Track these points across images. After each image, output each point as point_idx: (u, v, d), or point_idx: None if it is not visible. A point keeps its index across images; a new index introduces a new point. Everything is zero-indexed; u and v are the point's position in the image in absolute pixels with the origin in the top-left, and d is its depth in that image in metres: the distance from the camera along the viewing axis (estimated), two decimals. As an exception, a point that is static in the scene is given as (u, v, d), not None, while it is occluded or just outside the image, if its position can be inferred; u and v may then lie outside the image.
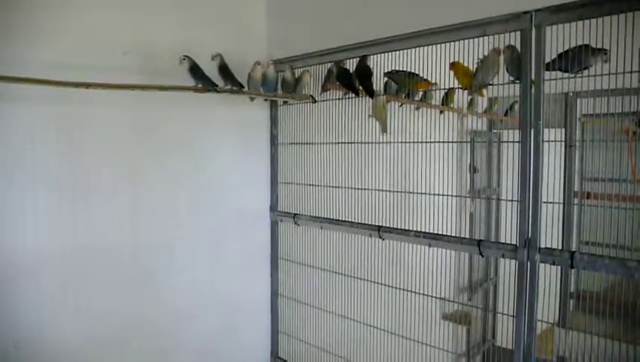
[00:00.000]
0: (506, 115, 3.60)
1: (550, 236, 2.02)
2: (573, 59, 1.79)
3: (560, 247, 2.00)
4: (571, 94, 3.48)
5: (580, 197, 3.42)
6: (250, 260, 2.91)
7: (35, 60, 1.98)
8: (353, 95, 2.47)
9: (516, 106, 2.77)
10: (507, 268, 2.02)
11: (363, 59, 2.38)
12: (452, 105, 3.03)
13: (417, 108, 2.92)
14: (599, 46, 1.72)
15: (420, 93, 2.89)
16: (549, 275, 2.06)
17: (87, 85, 1.97)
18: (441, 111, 2.95)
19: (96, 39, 2.18)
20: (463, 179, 3.88)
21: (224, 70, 2.39)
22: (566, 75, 1.84)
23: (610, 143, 2.32)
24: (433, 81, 2.47)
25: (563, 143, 3.06)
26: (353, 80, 2.43)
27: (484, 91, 2.35)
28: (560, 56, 1.83)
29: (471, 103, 3.19)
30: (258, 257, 2.96)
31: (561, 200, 2.50)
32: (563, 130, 3.46)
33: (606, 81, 1.75)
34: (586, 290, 3.60)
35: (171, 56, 2.33)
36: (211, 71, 2.37)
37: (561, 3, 1.71)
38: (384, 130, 2.42)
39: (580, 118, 3.50)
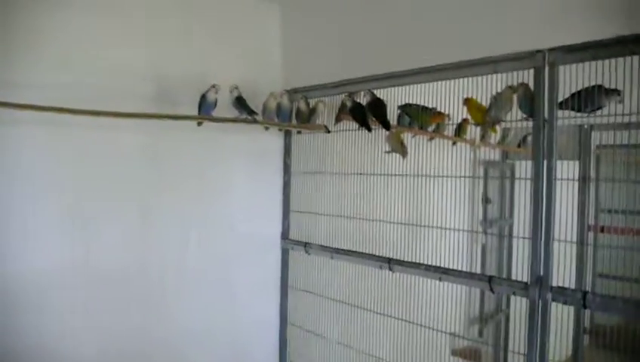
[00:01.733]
0: (519, 146, 3.59)
1: (563, 270, 1.99)
2: (587, 99, 1.79)
3: (573, 285, 1.98)
4: (586, 127, 3.46)
5: (595, 231, 3.37)
6: (260, 287, 2.91)
7: (48, 85, 2.02)
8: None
9: (529, 138, 2.77)
10: (519, 301, 1.99)
11: (372, 93, 2.40)
12: (465, 137, 3.03)
13: (430, 139, 2.92)
14: (614, 85, 1.72)
15: (433, 125, 2.90)
16: (561, 309, 2.03)
17: (98, 113, 1.99)
18: (453, 143, 2.95)
19: (110, 66, 2.23)
20: (475, 210, 3.86)
21: (240, 101, 2.43)
22: (579, 114, 1.84)
23: (625, 176, 2.29)
24: (446, 113, 2.48)
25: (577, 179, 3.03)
26: (367, 115, 2.44)
27: (497, 127, 2.35)
28: (573, 95, 1.83)
29: (484, 136, 3.19)
30: (268, 284, 2.95)
31: (575, 238, 2.47)
32: (577, 162, 3.43)
33: (620, 118, 1.75)
34: (600, 325, 3.53)
35: (185, 85, 2.41)
36: (225, 100, 2.41)
37: (573, 43, 1.72)
38: (404, 156, 2.45)
39: (595, 151, 3.48)
